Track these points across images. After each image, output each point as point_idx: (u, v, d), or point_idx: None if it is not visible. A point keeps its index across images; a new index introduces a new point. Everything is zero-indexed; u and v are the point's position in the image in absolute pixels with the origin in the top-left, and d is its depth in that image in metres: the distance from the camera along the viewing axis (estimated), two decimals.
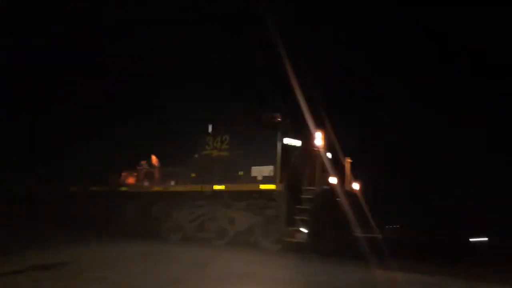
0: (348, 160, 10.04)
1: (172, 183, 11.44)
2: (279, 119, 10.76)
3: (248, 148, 10.01)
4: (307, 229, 9.00)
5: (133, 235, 11.49)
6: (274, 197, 9.48)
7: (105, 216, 12.72)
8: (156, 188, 11.80)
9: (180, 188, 11.26)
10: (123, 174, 12.72)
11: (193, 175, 10.98)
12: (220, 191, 10.39)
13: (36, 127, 14.23)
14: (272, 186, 9.37)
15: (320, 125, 10.01)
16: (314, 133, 9.65)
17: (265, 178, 9.55)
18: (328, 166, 9.42)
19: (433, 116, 12.55)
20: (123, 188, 12.66)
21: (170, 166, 11.68)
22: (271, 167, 9.49)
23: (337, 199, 9.25)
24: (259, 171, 9.69)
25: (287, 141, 9.66)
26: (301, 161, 9.65)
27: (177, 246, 10.49)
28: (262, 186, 9.55)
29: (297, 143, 9.85)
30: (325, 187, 9.34)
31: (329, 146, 9.87)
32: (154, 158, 12.12)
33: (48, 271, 6.75)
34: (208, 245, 10.67)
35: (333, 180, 9.36)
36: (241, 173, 10.01)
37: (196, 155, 11.01)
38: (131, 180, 12.67)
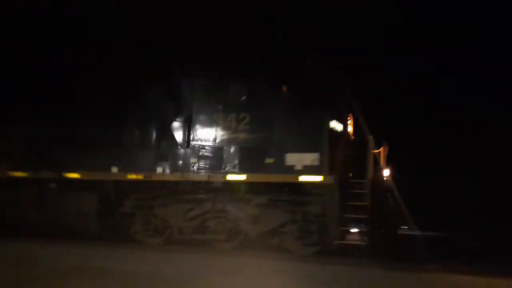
0: (385, 146, 8.68)
1: (159, 170, 8.79)
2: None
3: (279, 130, 8.10)
4: (363, 229, 7.66)
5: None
6: (319, 191, 7.83)
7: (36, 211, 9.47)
8: (131, 176, 8.97)
9: (172, 177, 8.71)
10: None
11: (193, 161, 8.58)
12: (236, 182, 8.29)
13: None
14: (318, 178, 7.69)
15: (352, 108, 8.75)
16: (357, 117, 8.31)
17: (306, 168, 7.81)
18: (380, 156, 8.16)
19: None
20: (74, 175, 9.43)
21: (153, 149, 8.94)
22: (315, 155, 7.77)
23: (390, 194, 8.07)
24: (298, 159, 7.88)
25: (333, 124, 8.08)
26: (347, 149, 8.20)
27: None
28: (303, 178, 7.81)
29: (340, 127, 8.34)
30: (380, 180, 8.05)
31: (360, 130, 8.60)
32: None
33: None
34: (210, 249, 8.52)
35: (386, 172, 8.12)
36: (270, 160, 8.05)
37: None
38: None
